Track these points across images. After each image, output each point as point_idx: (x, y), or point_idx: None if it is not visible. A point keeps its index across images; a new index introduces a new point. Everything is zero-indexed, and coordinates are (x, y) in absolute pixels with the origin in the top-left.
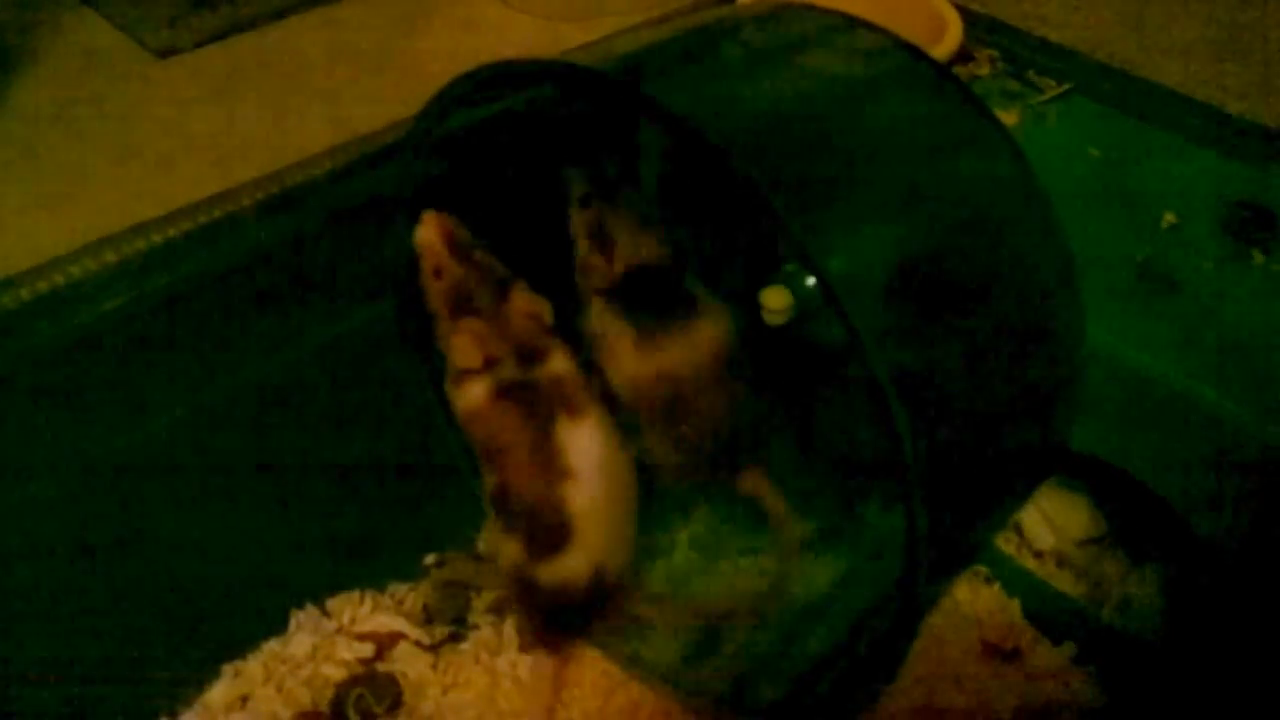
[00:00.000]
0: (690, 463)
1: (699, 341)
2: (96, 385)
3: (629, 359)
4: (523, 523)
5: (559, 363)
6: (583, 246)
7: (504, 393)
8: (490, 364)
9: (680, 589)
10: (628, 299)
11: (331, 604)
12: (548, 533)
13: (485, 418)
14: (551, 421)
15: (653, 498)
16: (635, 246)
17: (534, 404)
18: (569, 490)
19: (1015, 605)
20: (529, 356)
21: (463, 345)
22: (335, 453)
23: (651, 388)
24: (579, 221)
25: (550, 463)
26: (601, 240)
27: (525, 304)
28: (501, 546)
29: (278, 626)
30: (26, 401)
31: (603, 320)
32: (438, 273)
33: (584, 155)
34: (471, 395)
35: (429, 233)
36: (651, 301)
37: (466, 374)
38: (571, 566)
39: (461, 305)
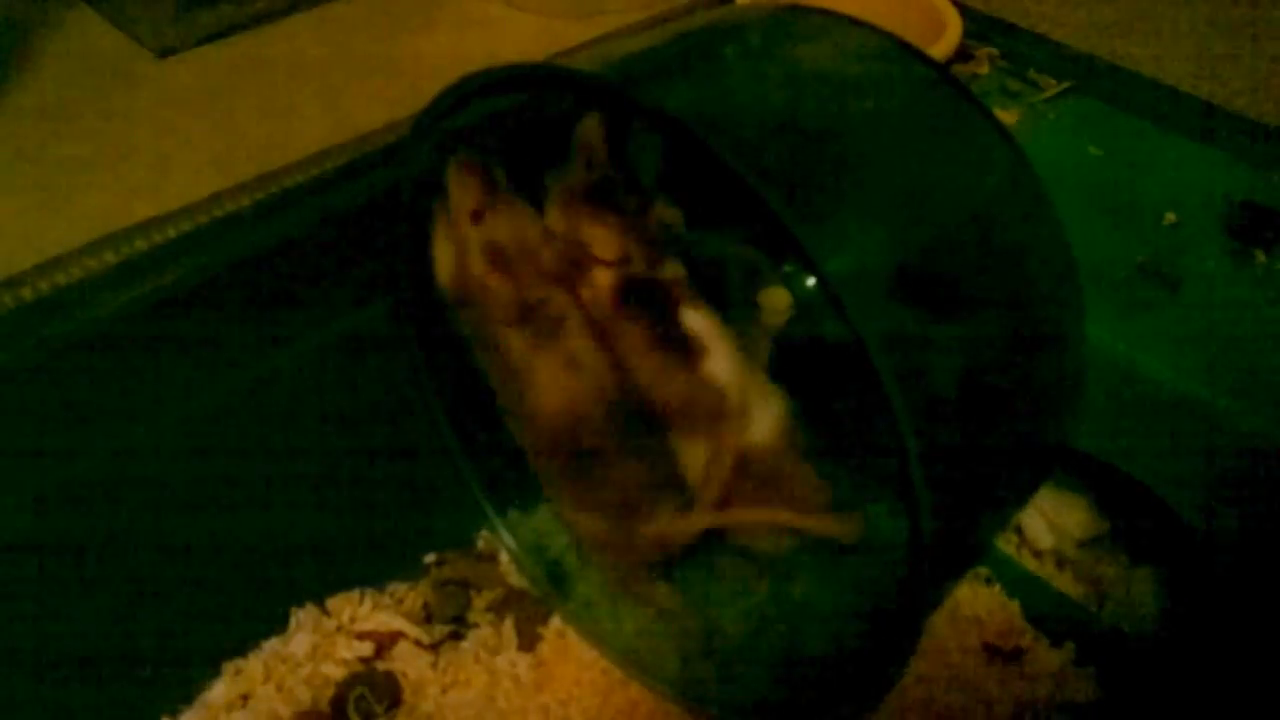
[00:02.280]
0: None
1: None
2: (97, 385)
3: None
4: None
5: (674, 268)
6: (476, 270)
7: (629, 291)
8: (623, 262)
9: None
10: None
11: (331, 603)
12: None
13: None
14: (674, 311)
15: None
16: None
17: (654, 301)
18: (711, 365)
19: (1015, 606)
20: (654, 259)
21: (603, 236)
22: (335, 452)
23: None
24: (469, 239)
25: (681, 349)
26: (500, 257)
27: (665, 212)
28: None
29: (278, 625)
30: (26, 401)
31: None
32: (589, 165)
33: None
34: (599, 284)
35: (594, 126)
36: None
37: (599, 264)
38: (755, 430)
39: (602, 200)
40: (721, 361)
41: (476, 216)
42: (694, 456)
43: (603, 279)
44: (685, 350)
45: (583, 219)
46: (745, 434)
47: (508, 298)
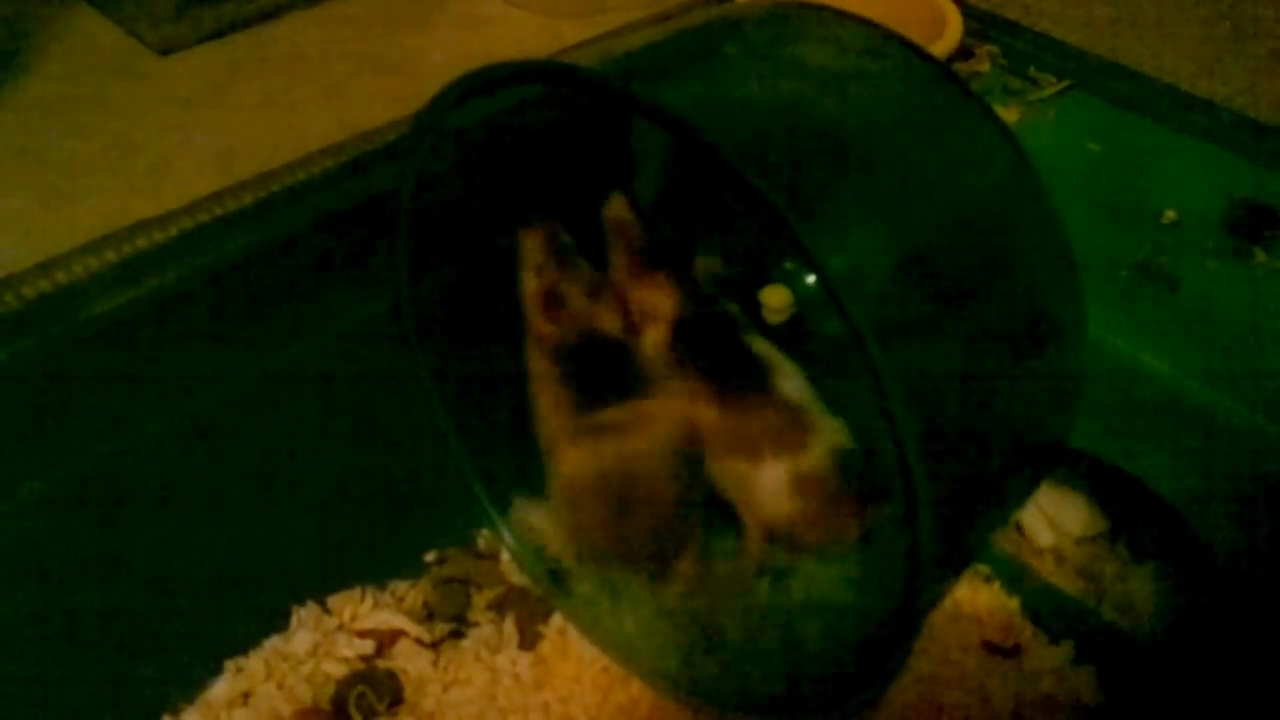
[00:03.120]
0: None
1: (652, 429)
2: (98, 384)
3: (571, 452)
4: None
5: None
6: (534, 314)
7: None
8: (678, 312)
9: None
10: (578, 377)
11: (333, 601)
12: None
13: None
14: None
15: None
16: (588, 314)
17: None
18: (783, 383)
19: (1015, 603)
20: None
21: (657, 296)
22: (337, 450)
23: (595, 484)
24: (531, 289)
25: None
26: (554, 306)
27: (706, 261)
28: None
29: (279, 623)
30: (29, 399)
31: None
32: (626, 242)
33: (547, 211)
34: (656, 340)
35: (620, 205)
36: (603, 379)
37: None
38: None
39: (649, 264)
40: (792, 379)
41: (539, 271)
42: (752, 480)
43: (658, 334)
44: (746, 380)
45: (636, 287)
46: (810, 451)
47: (552, 339)
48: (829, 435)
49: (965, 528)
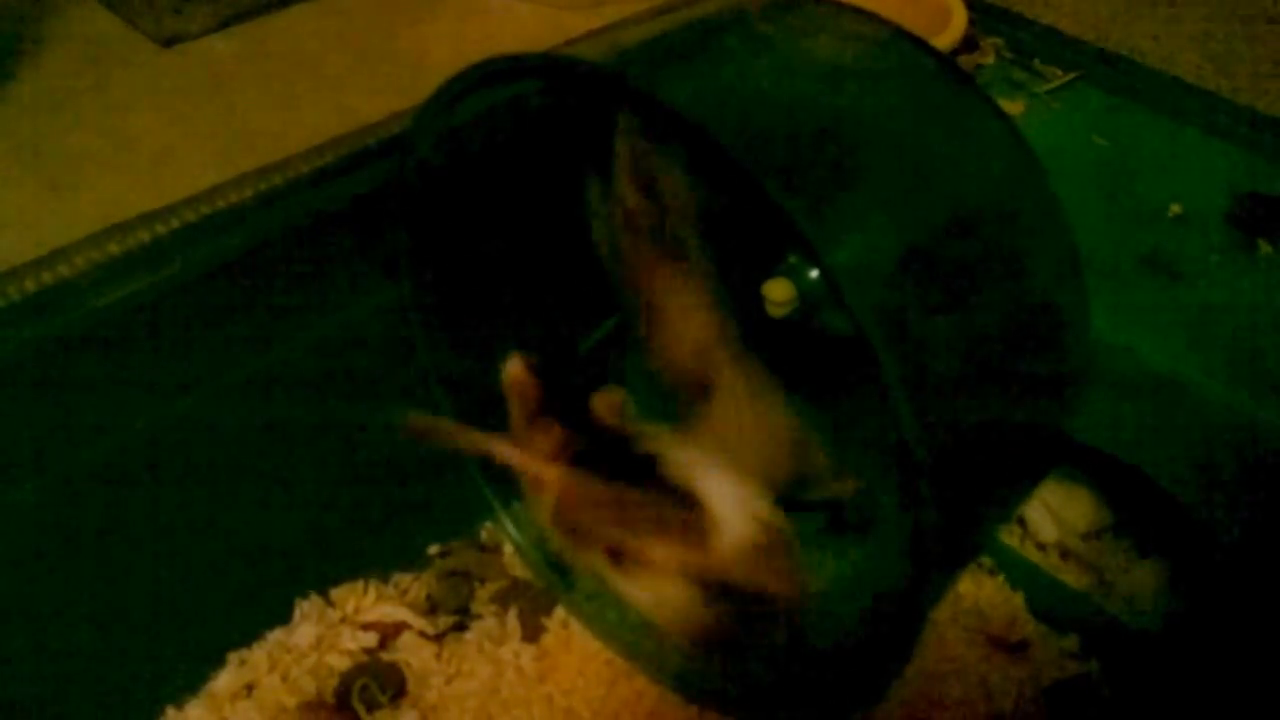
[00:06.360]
0: None
1: None
2: (99, 378)
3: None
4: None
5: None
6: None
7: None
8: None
9: None
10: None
11: (336, 594)
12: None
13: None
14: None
15: None
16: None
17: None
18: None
19: (1019, 598)
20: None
21: (546, 445)
22: (339, 443)
23: None
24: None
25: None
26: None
27: (604, 399)
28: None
29: (282, 616)
30: (31, 394)
31: None
32: (522, 401)
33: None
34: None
35: (517, 370)
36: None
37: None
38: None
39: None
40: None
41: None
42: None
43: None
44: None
45: (527, 440)
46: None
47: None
48: (734, 530)
49: (969, 521)
